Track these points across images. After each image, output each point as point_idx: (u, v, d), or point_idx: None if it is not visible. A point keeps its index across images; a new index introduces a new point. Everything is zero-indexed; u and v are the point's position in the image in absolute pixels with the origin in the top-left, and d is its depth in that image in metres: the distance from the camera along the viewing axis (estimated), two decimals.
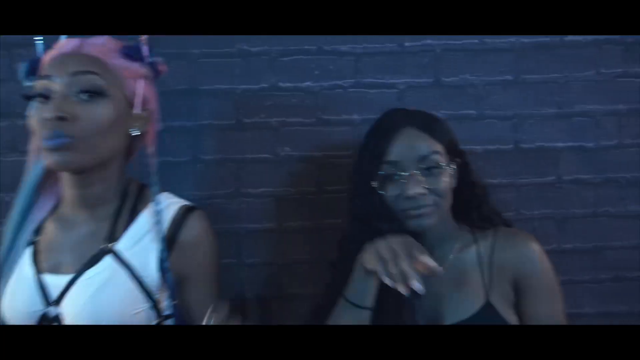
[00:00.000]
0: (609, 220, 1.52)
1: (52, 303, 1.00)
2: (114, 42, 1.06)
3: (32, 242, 1.06)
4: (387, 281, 0.98)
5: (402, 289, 0.96)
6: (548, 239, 1.49)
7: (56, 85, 0.97)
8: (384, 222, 1.11)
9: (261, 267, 1.50)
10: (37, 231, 1.07)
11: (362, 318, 1.06)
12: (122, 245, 1.02)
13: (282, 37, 1.48)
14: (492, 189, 1.30)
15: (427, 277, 0.99)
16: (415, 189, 1.10)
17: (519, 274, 1.16)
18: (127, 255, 1.01)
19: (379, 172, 1.13)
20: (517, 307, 1.16)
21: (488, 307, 1.14)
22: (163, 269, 1.02)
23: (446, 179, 1.14)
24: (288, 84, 1.51)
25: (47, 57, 1.02)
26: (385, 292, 1.05)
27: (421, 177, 1.11)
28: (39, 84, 0.99)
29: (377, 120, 1.21)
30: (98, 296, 0.98)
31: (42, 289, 1.01)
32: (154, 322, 1.03)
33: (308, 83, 1.51)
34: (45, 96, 0.97)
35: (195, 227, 1.05)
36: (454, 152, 1.18)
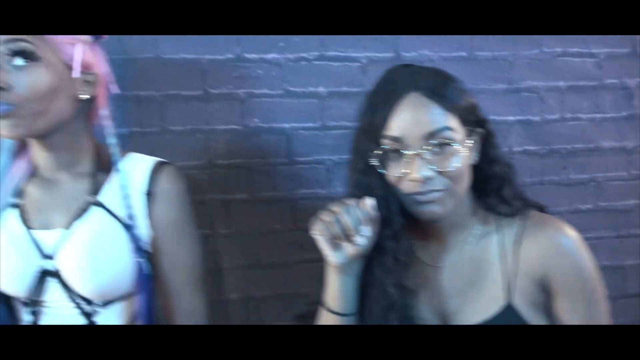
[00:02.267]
0: (554, 187, 1.65)
1: (47, 256, 1.01)
2: None
3: (17, 205, 1.05)
4: (329, 243, 0.93)
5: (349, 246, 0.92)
6: None
7: None
8: (383, 206, 0.96)
9: (235, 237, 1.49)
10: (19, 194, 1.06)
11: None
12: (105, 198, 1.04)
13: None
14: None
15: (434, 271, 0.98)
16: (421, 171, 0.91)
17: (551, 272, 0.94)
18: (111, 207, 1.03)
19: (379, 148, 0.95)
20: (548, 312, 0.97)
21: (509, 310, 0.95)
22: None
23: (461, 159, 0.94)
24: (253, 55, 1.51)
25: None
26: (371, 295, 0.98)
27: (429, 156, 0.91)
28: None
29: (379, 79, 1.00)
30: (94, 247, 1.01)
31: (36, 244, 1.02)
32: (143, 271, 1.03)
33: (273, 55, 1.51)
34: None
35: (170, 180, 1.07)
36: (473, 121, 0.97)
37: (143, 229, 1.05)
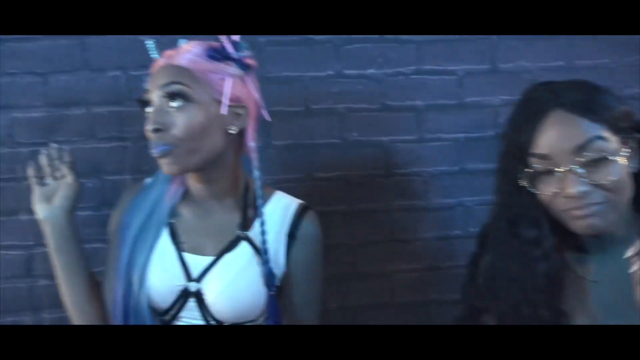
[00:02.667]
0: None
1: (193, 279, 1.09)
2: (200, 46, 1.09)
3: (169, 223, 1.14)
4: None
5: None
6: None
7: (153, 97, 1.05)
8: (533, 227, 0.96)
9: (334, 247, 1.55)
10: (173, 214, 1.14)
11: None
12: (253, 233, 1.11)
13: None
14: None
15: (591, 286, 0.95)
16: (577, 187, 0.88)
17: None
18: (258, 243, 1.10)
19: (528, 168, 0.94)
20: None
21: None
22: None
23: (618, 169, 0.90)
24: (352, 71, 1.56)
25: (153, 68, 1.09)
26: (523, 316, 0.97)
27: (582, 171, 0.89)
28: (141, 97, 1.08)
29: (520, 100, 0.99)
30: (238, 278, 1.08)
31: (184, 266, 1.10)
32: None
33: (372, 70, 1.56)
34: (148, 107, 1.06)
35: (312, 226, 1.15)
36: (627, 128, 0.93)
37: (279, 266, 1.12)
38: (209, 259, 1.10)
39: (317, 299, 1.17)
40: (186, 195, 1.16)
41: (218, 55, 1.08)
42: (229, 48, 1.08)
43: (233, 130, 1.08)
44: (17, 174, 1.52)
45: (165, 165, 1.05)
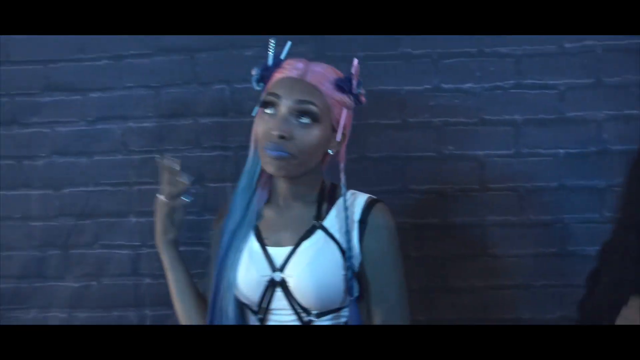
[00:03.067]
0: None
1: (277, 269, 1.21)
2: (330, 71, 1.22)
3: (256, 226, 1.27)
4: None
5: None
6: None
7: (282, 106, 1.17)
8: None
9: (426, 260, 1.59)
10: (258, 217, 1.28)
11: None
12: (327, 223, 1.23)
13: (443, 39, 1.57)
14: None
15: None
16: None
17: None
18: (332, 231, 1.21)
19: None
20: None
21: None
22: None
23: None
24: (450, 85, 1.59)
25: (278, 75, 1.21)
26: None
27: None
28: (268, 98, 1.18)
29: None
30: (315, 262, 1.19)
31: (269, 259, 1.22)
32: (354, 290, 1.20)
33: (470, 84, 1.59)
34: (272, 111, 1.17)
35: (381, 214, 1.24)
36: None
37: (355, 254, 1.21)
38: (289, 249, 1.21)
39: (397, 293, 1.22)
40: (269, 199, 1.28)
41: (345, 87, 1.21)
42: (354, 83, 1.22)
43: (332, 152, 1.22)
44: (129, 179, 1.69)
45: (274, 167, 1.17)
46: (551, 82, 1.58)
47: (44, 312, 1.77)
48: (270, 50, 1.23)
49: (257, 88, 1.23)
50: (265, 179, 1.27)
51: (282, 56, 1.23)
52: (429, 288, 1.61)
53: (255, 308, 1.23)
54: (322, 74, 1.20)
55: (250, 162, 1.27)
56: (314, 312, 1.20)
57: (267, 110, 1.18)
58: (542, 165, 1.59)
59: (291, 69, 1.20)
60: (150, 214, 1.45)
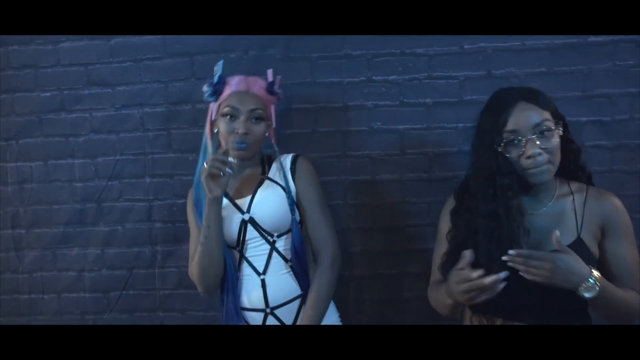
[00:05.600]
0: (622, 176, 2.00)
1: (245, 212, 1.69)
2: (262, 82, 1.73)
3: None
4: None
5: None
6: None
7: (241, 114, 1.65)
8: (506, 177, 1.38)
9: (359, 206, 2.10)
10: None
11: None
12: (271, 174, 1.72)
13: (376, 42, 2.05)
14: None
15: (531, 216, 1.39)
16: (533, 149, 1.34)
17: (606, 222, 1.42)
18: (275, 179, 1.70)
19: (502, 139, 1.38)
20: (601, 245, 1.43)
21: (579, 241, 1.41)
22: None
23: (556, 139, 1.38)
24: (379, 77, 2.09)
25: (228, 91, 1.69)
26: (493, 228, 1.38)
27: (537, 140, 1.35)
28: (228, 110, 1.65)
29: (491, 99, 1.46)
30: (269, 200, 1.68)
31: (237, 207, 1.70)
32: (296, 214, 1.69)
33: (394, 76, 2.08)
34: (233, 117, 1.65)
35: (304, 161, 1.73)
36: (557, 116, 1.42)
37: (292, 189, 1.69)
38: (249, 197, 1.69)
39: (322, 208, 1.71)
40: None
41: (272, 90, 1.73)
42: (278, 87, 1.74)
43: (267, 135, 1.73)
44: (145, 150, 2.18)
45: (239, 153, 1.64)
46: (454, 74, 2.05)
47: (84, 249, 2.24)
48: (217, 71, 1.67)
49: (210, 100, 1.69)
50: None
51: (220, 72, 1.68)
52: (364, 227, 2.09)
53: (234, 244, 1.69)
54: (260, 85, 1.71)
55: (208, 150, 1.72)
56: (275, 234, 1.68)
57: (229, 118, 1.65)
58: (446, 135, 2.05)
59: (236, 84, 1.68)
60: (160, 175, 2.00)
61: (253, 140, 1.65)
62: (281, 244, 1.70)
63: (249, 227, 1.68)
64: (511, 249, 1.30)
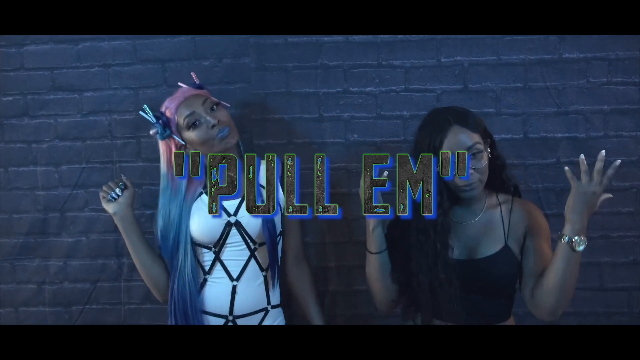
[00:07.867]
0: None
1: (232, 215, 1.68)
2: (185, 86, 1.77)
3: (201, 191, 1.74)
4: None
5: None
6: (550, 205, 2.00)
7: (202, 112, 1.67)
8: (439, 194, 1.53)
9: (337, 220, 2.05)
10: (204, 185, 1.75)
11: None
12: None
13: (352, 54, 2.04)
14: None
15: (463, 226, 1.54)
16: (464, 171, 1.50)
17: (529, 227, 1.59)
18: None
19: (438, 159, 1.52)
20: (525, 246, 1.59)
21: (506, 248, 1.58)
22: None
23: (485, 160, 1.53)
24: (356, 89, 2.07)
25: (176, 103, 1.70)
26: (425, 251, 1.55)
27: (470, 161, 1.50)
28: (191, 119, 1.67)
29: (427, 118, 1.59)
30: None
31: (224, 209, 1.68)
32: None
33: (370, 88, 2.07)
34: (195, 123, 1.67)
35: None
36: (485, 135, 1.57)
37: (282, 203, 1.69)
38: (238, 200, 1.69)
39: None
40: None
41: (197, 86, 1.79)
42: (197, 80, 1.79)
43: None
44: (113, 158, 2.12)
45: (227, 141, 1.66)
46: (431, 87, 2.05)
47: (45, 261, 2.16)
48: (148, 115, 1.71)
49: (167, 134, 1.70)
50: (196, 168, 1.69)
51: (150, 113, 1.72)
52: (340, 241, 2.08)
53: (211, 245, 1.67)
54: (186, 89, 1.74)
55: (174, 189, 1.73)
56: (259, 242, 1.66)
57: (192, 126, 1.65)
58: None
59: (172, 102, 1.70)
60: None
61: (226, 124, 1.68)
62: (261, 253, 1.70)
63: (233, 230, 1.68)
64: (436, 262, 1.53)
